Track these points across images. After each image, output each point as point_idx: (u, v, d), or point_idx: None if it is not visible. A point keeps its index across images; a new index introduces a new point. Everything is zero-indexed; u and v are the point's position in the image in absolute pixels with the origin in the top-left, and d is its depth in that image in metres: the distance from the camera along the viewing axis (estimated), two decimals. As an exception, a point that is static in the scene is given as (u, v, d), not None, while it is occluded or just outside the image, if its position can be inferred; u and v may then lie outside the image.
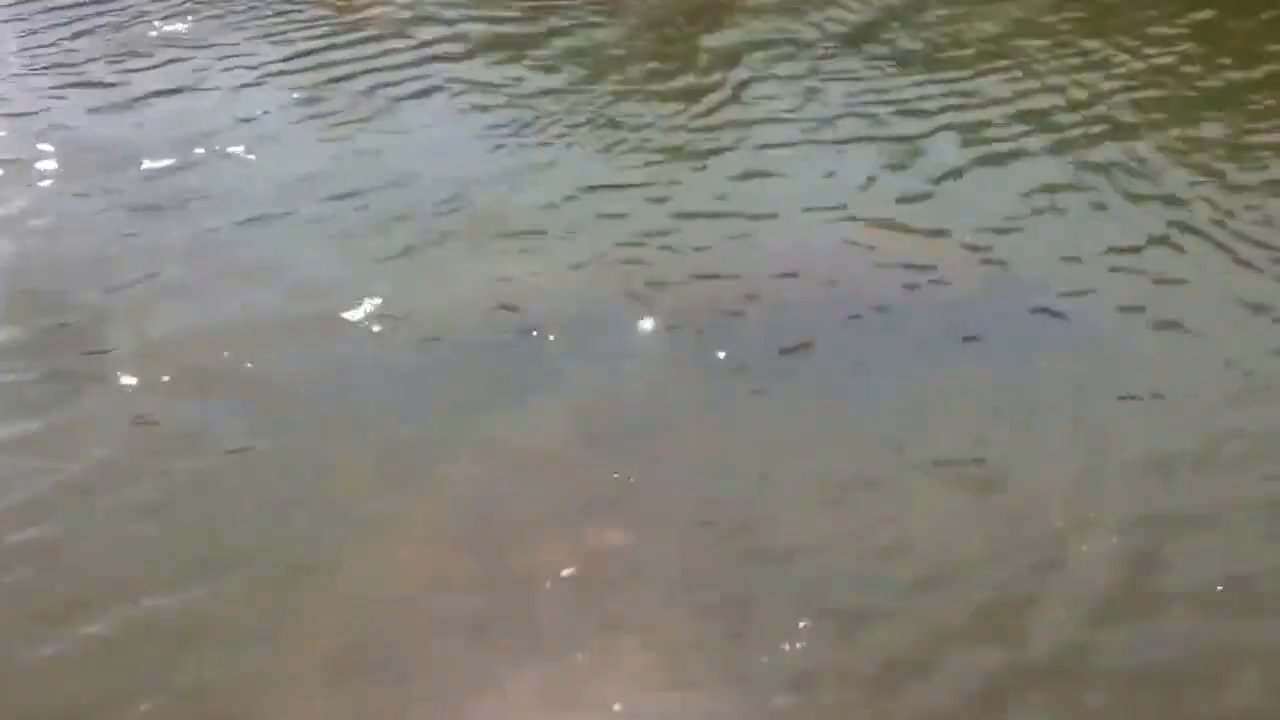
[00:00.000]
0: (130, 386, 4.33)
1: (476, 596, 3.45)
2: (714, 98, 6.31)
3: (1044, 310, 4.57)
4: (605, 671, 3.27)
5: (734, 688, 3.20)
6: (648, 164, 5.72)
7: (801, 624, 3.34)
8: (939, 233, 5.06)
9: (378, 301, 4.67)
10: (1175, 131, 5.76)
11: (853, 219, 5.16)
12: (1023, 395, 4.15)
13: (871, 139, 5.85)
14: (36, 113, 6.43)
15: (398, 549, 3.59)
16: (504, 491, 3.83)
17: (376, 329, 4.57)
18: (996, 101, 6.11)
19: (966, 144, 5.76)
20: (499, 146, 5.92)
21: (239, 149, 5.98)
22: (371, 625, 3.38)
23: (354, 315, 4.62)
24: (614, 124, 6.09)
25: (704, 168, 5.66)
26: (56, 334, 4.64)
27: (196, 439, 4.07)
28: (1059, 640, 3.29)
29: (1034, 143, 5.74)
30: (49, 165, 5.88)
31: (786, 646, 3.29)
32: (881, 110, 6.07)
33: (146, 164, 5.85)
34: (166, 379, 4.34)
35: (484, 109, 6.31)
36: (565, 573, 3.52)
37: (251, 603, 3.45)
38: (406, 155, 5.84)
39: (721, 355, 4.39)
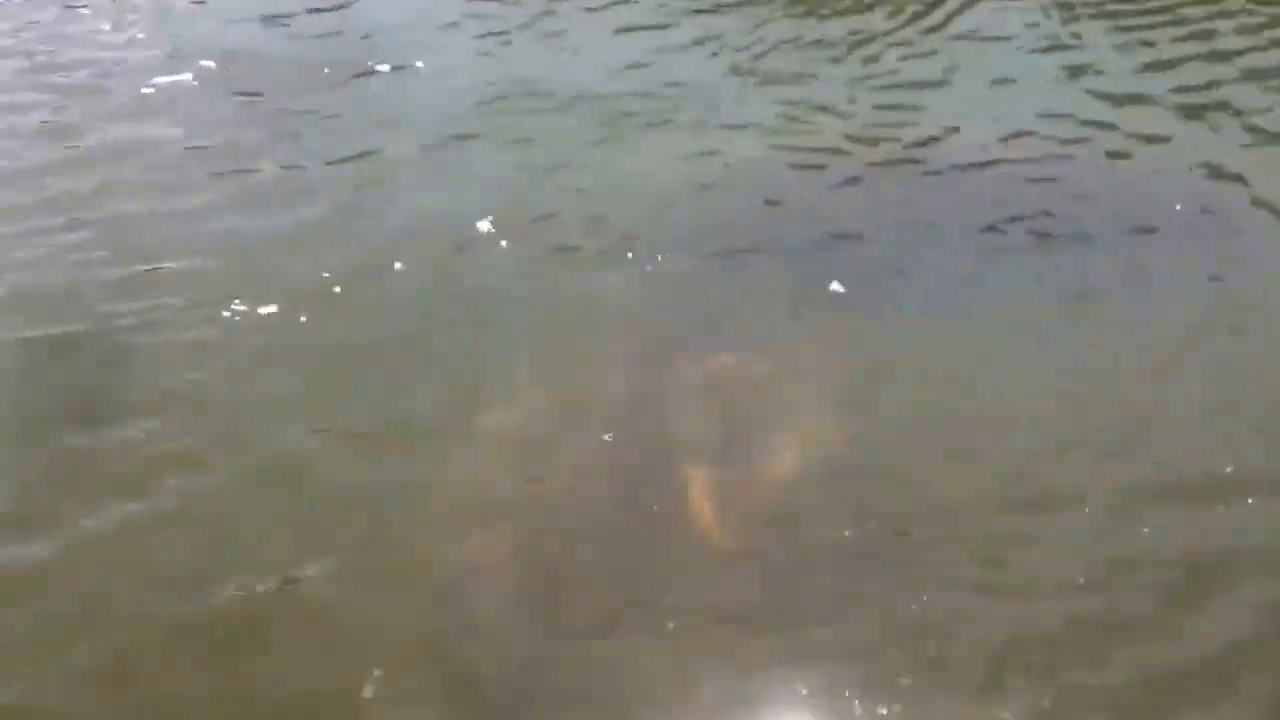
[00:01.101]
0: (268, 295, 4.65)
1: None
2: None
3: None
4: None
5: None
6: (807, 81, 6.06)
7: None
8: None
9: (513, 210, 5.00)
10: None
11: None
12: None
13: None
14: (182, 30, 6.72)
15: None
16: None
17: (506, 240, 4.88)
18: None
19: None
20: (657, 56, 6.20)
21: (385, 67, 6.25)
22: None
23: (481, 228, 4.93)
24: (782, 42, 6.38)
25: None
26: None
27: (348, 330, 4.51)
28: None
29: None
30: (189, 78, 6.17)
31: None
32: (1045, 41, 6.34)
33: (293, 77, 6.15)
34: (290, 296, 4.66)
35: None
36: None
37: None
38: (559, 69, 6.12)
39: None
